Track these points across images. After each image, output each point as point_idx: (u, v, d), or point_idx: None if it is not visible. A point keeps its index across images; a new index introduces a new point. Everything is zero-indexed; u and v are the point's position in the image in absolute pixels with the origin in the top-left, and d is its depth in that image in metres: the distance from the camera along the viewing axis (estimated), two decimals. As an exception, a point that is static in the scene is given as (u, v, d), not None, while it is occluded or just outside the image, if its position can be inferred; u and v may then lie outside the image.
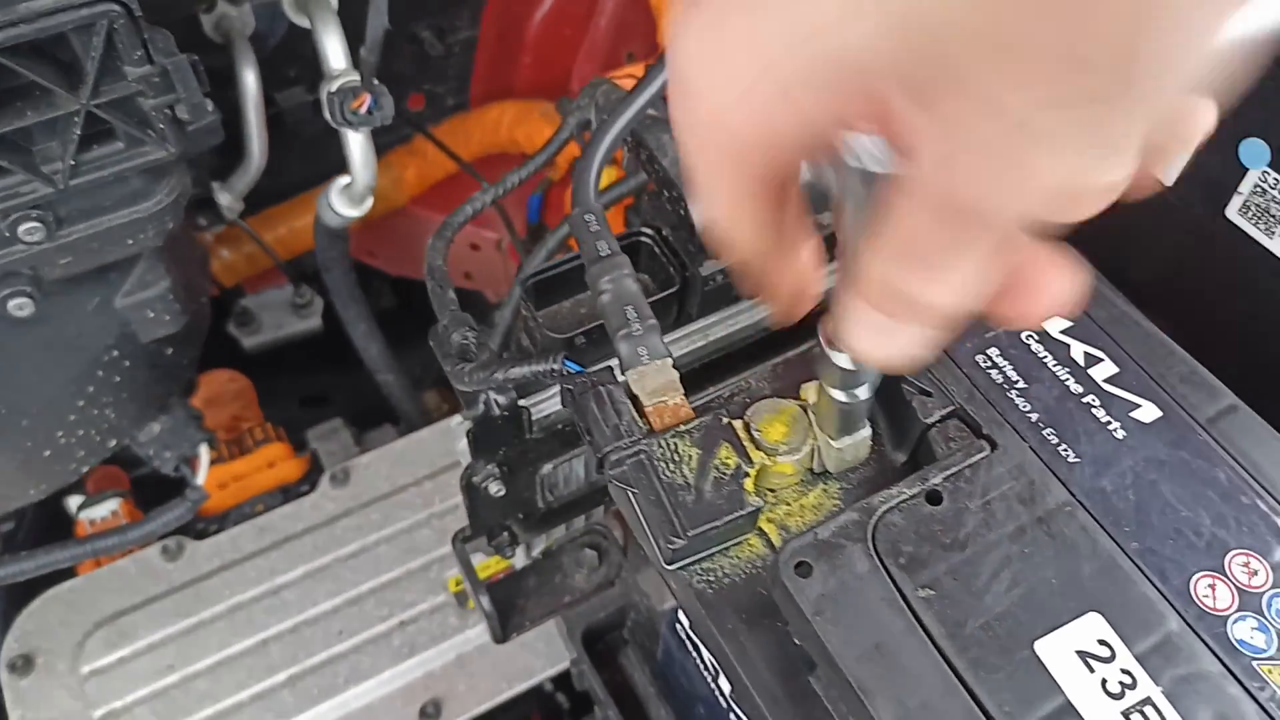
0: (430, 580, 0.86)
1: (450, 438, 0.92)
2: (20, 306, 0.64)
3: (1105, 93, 0.24)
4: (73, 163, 0.60)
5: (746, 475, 0.45)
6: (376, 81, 0.75)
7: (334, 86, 0.76)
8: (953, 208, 0.27)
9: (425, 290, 0.63)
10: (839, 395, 0.43)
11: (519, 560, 0.77)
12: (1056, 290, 0.31)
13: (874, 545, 0.43)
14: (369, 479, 0.92)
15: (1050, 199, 0.26)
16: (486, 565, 0.84)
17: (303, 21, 0.81)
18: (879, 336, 0.31)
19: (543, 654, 0.83)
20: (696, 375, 0.63)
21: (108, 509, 0.98)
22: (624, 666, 0.74)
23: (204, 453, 0.88)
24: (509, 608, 0.73)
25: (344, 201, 0.90)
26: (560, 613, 0.73)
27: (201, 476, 0.88)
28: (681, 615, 0.61)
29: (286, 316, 1.25)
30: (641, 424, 0.47)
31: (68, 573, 0.90)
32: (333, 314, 1.12)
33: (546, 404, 0.61)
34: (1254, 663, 0.40)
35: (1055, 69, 0.23)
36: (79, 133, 0.59)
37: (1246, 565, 0.42)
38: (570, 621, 0.73)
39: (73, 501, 1.00)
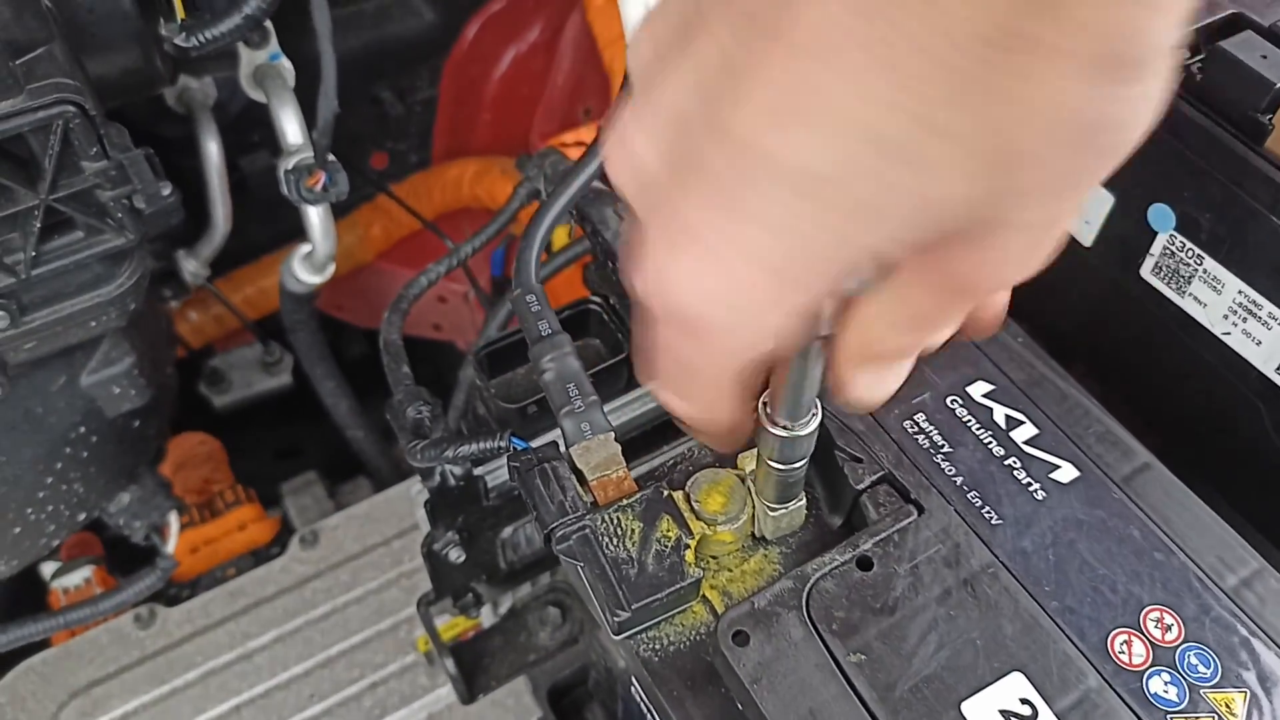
0: (400, 640, 0.87)
1: (413, 501, 0.94)
2: (-14, 391, 0.66)
3: (1065, 204, 0.28)
4: (34, 253, 0.62)
5: (687, 546, 0.47)
6: (331, 158, 0.77)
7: (290, 164, 0.78)
8: (959, 292, 0.30)
9: (398, 339, 0.65)
10: (778, 466, 0.45)
11: (486, 618, 0.78)
12: (1000, 306, 0.36)
13: (808, 612, 0.45)
14: (338, 540, 0.93)
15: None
16: (455, 623, 0.85)
17: (259, 97, 0.83)
18: (879, 385, 0.35)
19: (513, 710, 0.85)
20: (649, 436, 0.65)
21: (81, 576, 0.98)
22: (590, 722, 0.76)
23: (173, 521, 0.89)
24: (475, 668, 0.75)
25: (306, 269, 0.92)
26: (526, 671, 0.74)
27: (171, 545, 0.89)
28: (634, 680, 0.62)
29: (257, 374, 1.26)
30: (586, 498, 0.49)
31: (42, 644, 0.90)
32: (303, 369, 1.14)
33: (501, 471, 0.63)
34: (1168, 716, 0.42)
35: (1047, 200, 0.27)
36: (39, 225, 0.60)
37: (1160, 620, 0.45)
38: (536, 679, 0.75)
39: (46, 569, 1.00)
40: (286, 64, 0.84)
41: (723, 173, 0.26)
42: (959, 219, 0.26)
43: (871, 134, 0.24)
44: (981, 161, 0.25)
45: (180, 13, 0.66)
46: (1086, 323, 0.62)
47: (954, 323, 0.31)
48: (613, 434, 0.50)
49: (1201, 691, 0.43)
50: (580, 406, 0.50)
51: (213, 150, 0.95)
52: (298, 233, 1.02)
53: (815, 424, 0.42)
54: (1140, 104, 0.25)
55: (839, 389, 0.35)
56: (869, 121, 0.24)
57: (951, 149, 0.24)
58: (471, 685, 0.74)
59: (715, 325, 0.29)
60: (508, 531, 0.68)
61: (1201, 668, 0.43)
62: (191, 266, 1.02)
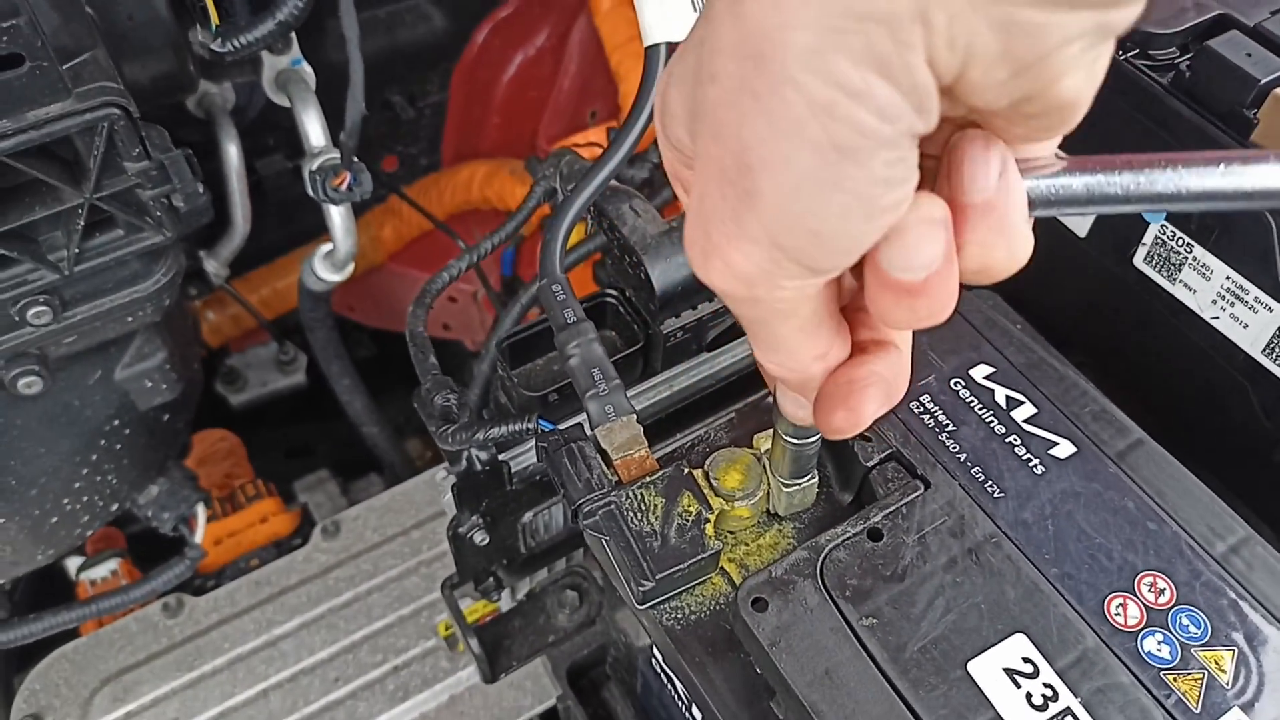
0: (421, 625, 0.90)
1: (434, 489, 0.96)
2: (30, 385, 0.69)
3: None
4: (76, 250, 0.65)
5: (707, 520, 0.49)
6: (356, 159, 0.80)
7: (315, 165, 0.81)
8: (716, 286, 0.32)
9: (404, 340, 0.68)
10: (793, 440, 0.48)
11: (505, 603, 0.81)
12: (870, 409, 0.37)
13: (822, 580, 0.48)
14: (359, 530, 0.96)
15: (737, 279, 0.31)
16: (474, 609, 0.88)
17: (283, 101, 0.86)
18: (791, 406, 0.39)
19: (531, 692, 0.87)
20: (664, 423, 0.68)
21: (107, 569, 1.01)
22: (607, 701, 0.78)
23: (200, 512, 0.92)
24: (497, 649, 0.77)
25: (327, 267, 0.95)
26: (545, 652, 0.77)
27: (199, 535, 0.92)
28: (656, 650, 0.65)
29: (271, 373, 1.29)
30: (611, 476, 0.51)
31: (72, 633, 0.93)
32: (316, 368, 1.16)
33: (524, 457, 0.66)
34: (1161, 673, 0.45)
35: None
36: (82, 223, 0.63)
37: (1153, 585, 0.47)
38: (555, 660, 0.77)
39: (72, 563, 1.03)
40: (308, 69, 0.87)
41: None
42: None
43: None
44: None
45: (215, 19, 0.68)
46: (1083, 311, 0.65)
47: (780, 350, 0.35)
48: (635, 416, 0.53)
49: (1193, 650, 0.46)
50: (604, 389, 0.53)
51: (233, 153, 0.98)
52: (312, 234, 1.04)
53: None
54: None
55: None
56: None
57: None
58: (493, 666, 0.76)
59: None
60: (528, 516, 0.71)
61: (1193, 628, 0.46)
62: (211, 267, 1.04)
